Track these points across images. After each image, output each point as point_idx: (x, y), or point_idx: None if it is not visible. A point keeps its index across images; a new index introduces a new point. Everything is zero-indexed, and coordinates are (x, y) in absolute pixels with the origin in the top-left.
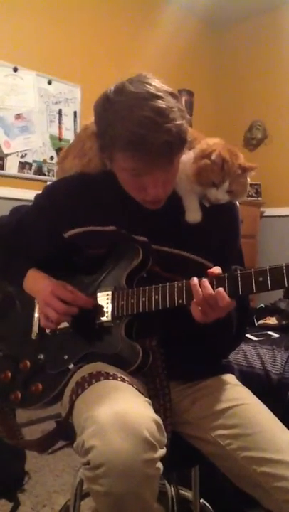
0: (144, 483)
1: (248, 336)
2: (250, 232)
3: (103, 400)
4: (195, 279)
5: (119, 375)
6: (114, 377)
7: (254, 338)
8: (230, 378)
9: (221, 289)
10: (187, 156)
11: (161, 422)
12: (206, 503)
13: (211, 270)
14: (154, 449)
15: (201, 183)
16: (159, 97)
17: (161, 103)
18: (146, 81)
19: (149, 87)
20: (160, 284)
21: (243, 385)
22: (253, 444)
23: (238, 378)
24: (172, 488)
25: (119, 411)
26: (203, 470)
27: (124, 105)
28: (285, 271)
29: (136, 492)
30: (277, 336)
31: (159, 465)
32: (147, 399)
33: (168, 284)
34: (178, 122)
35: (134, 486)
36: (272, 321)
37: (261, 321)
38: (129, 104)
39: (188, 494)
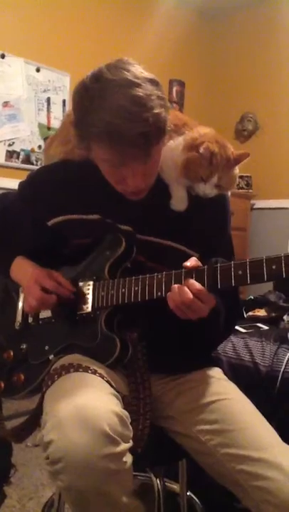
0: (107, 478)
1: (237, 327)
2: (241, 225)
3: (66, 394)
4: (175, 287)
5: (92, 367)
6: (85, 370)
7: (243, 330)
8: (215, 372)
9: (201, 288)
10: (175, 142)
11: (125, 416)
12: (193, 496)
13: (186, 264)
14: (114, 443)
15: (189, 177)
16: (137, 85)
17: (138, 91)
18: (125, 67)
19: (126, 73)
20: (140, 276)
21: (232, 377)
22: (233, 440)
23: (226, 370)
24: (158, 482)
25: (79, 405)
26: (191, 463)
27: (99, 93)
28: (264, 264)
29: (97, 487)
30: (266, 328)
31: (127, 458)
32: (115, 392)
33: (148, 275)
34: (156, 111)
35: (94, 481)
36: (261, 312)
37: (250, 313)
38: (105, 92)
39: (175, 487)
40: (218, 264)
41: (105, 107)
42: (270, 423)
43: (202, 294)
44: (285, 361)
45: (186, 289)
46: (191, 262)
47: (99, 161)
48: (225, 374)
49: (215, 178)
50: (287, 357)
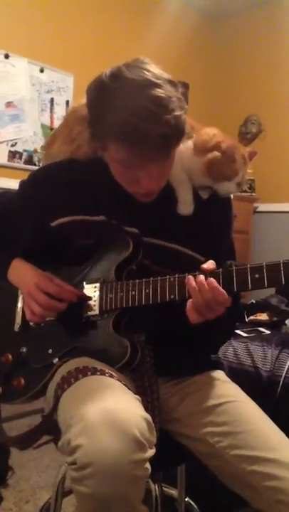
0: (132, 485)
1: (238, 332)
2: (244, 228)
3: (91, 397)
4: (192, 281)
5: (107, 370)
6: (102, 373)
7: (244, 335)
8: (219, 375)
9: (220, 288)
10: (185, 146)
11: (151, 421)
12: (191, 502)
13: (205, 266)
14: (143, 449)
15: (214, 177)
16: (158, 85)
17: (159, 92)
18: (144, 67)
19: (147, 73)
20: (151, 278)
21: (233, 381)
22: (243, 442)
23: (227, 375)
24: (156, 487)
25: (109, 408)
26: (190, 468)
27: (119, 93)
28: (282, 268)
29: (123, 494)
30: (267, 332)
31: (148, 465)
32: (137, 396)
33: (159, 278)
34: (177, 113)
35: (122, 487)
36: (263, 317)
37: (252, 317)
38: (126, 91)
39: (173, 492)
40: (234, 268)
41: (126, 107)
42: None
43: (221, 294)
44: (286, 366)
45: (206, 288)
46: (209, 265)
47: (112, 161)
48: None
49: (239, 176)
50: (288, 362)
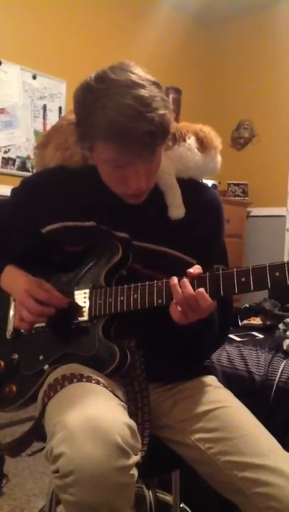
0: (118, 492)
1: (231, 336)
2: (237, 232)
3: (74, 404)
4: (175, 279)
5: (94, 376)
6: (89, 380)
7: (238, 339)
8: (211, 380)
9: (202, 290)
10: (182, 147)
11: (135, 427)
12: (186, 508)
13: (190, 271)
14: (127, 455)
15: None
16: (142, 86)
17: (143, 92)
18: (129, 69)
19: (131, 75)
20: (139, 283)
21: (226, 386)
22: (234, 448)
23: (221, 379)
24: (150, 493)
25: (90, 415)
26: (185, 473)
27: (105, 93)
28: (268, 271)
29: (109, 502)
30: (261, 336)
31: (134, 471)
32: (122, 402)
33: (147, 283)
34: (161, 112)
35: (107, 495)
36: (256, 321)
37: (245, 321)
38: (111, 91)
39: (168, 498)
40: (220, 272)
41: (111, 106)
42: None
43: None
44: (279, 370)
45: (188, 285)
46: (195, 269)
47: (100, 161)
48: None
49: None
50: (282, 366)
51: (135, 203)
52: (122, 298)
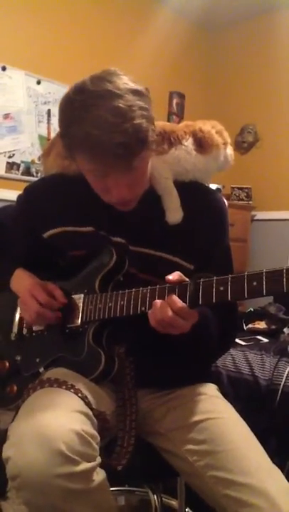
0: (68, 497)
1: (236, 340)
2: (241, 236)
3: (32, 410)
4: (157, 304)
5: (70, 382)
6: (60, 385)
7: (243, 343)
8: (208, 388)
9: (179, 308)
10: (179, 150)
11: (88, 434)
12: None
13: (169, 277)
14: (72, 462)
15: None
16: (118, 96)
17: (119, 102)
18: (108, 78)
19: (108, 84)
20: (126, 290)
21: (232, 390)
22: (220, 462)
23: (226, 384)
24: (156, 498)
25: (38, 422)
26: None
27: (82, 104)
28: (246, 280)
29: (56, 506)
30: (266, 340)
31: (96, 477)
32: (85, 409)
33: (134, 289)
34: (136, 122)
35: (53, 500)
36: (261, 325)
37: (250, 325)
38: (86, 103)
39: (173, 503)
40: (201, 280)
41: (87, 118)
42: (270, 437)
43: (183, 312)
44: (285, 375)
45: (167, 306)
46: (174, 276)
47: (84, 171)
48: (224, 387)
49: None
50: (287, 370)
51: (124, 210)
52: (110, 304)
